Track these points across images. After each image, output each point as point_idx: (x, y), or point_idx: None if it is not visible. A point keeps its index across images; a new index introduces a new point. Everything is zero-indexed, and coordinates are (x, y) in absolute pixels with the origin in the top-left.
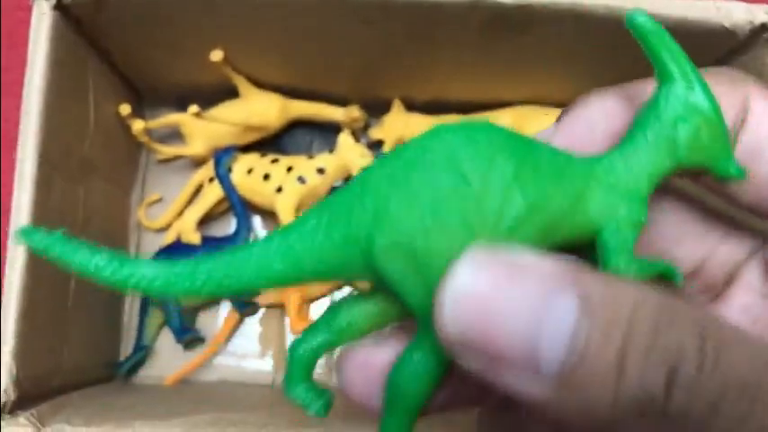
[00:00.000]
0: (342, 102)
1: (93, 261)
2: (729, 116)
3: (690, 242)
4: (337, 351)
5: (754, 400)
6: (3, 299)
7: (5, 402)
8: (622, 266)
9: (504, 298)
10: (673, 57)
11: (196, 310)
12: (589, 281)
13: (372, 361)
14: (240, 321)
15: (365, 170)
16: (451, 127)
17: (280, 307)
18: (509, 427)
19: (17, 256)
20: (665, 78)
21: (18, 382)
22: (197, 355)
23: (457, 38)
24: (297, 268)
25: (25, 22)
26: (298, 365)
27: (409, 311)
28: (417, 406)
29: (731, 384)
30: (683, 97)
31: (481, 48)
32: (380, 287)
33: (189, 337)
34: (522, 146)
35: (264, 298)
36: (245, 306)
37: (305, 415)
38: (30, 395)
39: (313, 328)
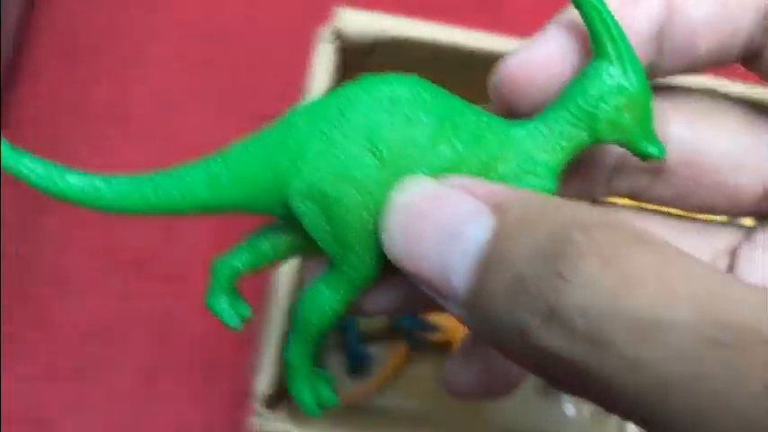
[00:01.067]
0: None
1: (34, 171)
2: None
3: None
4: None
5: (653, 340)
6: (272, 294)
7: (267, 395)
8: None
9: (425, 222)
10: (609, 34)
11: (371, 338)
12: (512, 199)
13: None
14: (408, 356)
15: (294, 110)
16: (378, 79)
17: (446, 346)
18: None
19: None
20: (598, 54)
21: (275, 377)
22: (363, 380)
23: None
24: (219, 197)
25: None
26: (219, 280)
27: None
28: (317, 333)
29: (624, 325)
30: (611, 77)
31: None
32: (298, 224)
33: (365, 363)
34: (445, 104)
35: (432, 336)
36: (417, 340)
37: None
38: (275, 393)
39: (238, 247)
